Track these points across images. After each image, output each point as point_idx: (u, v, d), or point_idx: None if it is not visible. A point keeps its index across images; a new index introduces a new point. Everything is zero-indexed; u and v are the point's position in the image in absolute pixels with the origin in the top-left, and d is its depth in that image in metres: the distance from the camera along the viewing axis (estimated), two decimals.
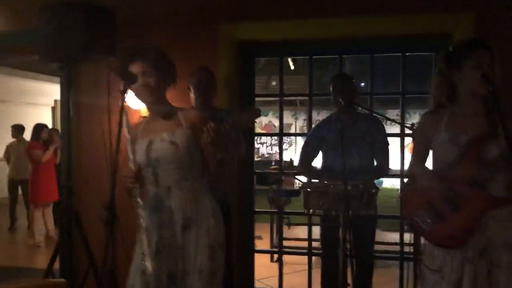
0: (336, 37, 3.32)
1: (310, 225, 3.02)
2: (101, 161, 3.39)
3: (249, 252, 3.57)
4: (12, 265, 5.41)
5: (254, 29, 3.36)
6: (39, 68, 10.97)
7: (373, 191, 2.58)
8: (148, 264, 1.91)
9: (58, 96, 12.54)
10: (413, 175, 2.21)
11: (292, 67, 8.26)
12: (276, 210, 2.89)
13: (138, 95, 2.07)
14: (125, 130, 1.95)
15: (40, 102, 11.52)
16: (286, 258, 4.51)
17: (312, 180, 3.07)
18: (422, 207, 2.05)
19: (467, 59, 1.99)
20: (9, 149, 7.50)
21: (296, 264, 4.46)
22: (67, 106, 2.99)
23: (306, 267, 3.59)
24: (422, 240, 2.11)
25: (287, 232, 4.68)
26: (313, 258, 3.55)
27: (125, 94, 1.90)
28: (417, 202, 2.07)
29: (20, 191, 7.34)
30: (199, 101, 2.95)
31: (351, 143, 2.92)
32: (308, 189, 2.62)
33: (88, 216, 3.12)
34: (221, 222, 2.14)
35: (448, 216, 1.99)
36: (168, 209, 2.05)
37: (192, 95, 3.00)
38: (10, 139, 8.43)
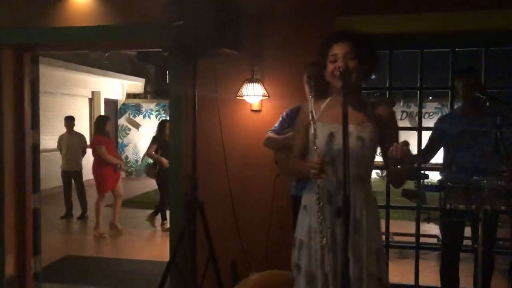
0: (447, 30, 3.32)
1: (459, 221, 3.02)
2: (217, 153, 3.44)
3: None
4: (84, 255, 5.53)
5: (366, 22, 3.35)
6: (79, 59, 11.00)
7: None
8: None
9: (95, 88, 12.53)
10: None
11: None
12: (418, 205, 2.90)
13: (332, 77, 1.97)
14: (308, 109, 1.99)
15: (78, 93, 11.55)
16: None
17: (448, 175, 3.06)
18: None
19: None
20: (60, 140, 7.54)
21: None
22: (193, 102, 2.98)
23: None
24: None
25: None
26: None
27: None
28: None
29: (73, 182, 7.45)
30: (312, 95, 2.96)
31: (477, 138, 2.93)
32: (449, 184, 2.63)
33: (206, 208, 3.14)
34: (380, 226, 2.13)
35: None
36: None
37: (306, 88, 3.02)
38: (56, 129, 8.49)
